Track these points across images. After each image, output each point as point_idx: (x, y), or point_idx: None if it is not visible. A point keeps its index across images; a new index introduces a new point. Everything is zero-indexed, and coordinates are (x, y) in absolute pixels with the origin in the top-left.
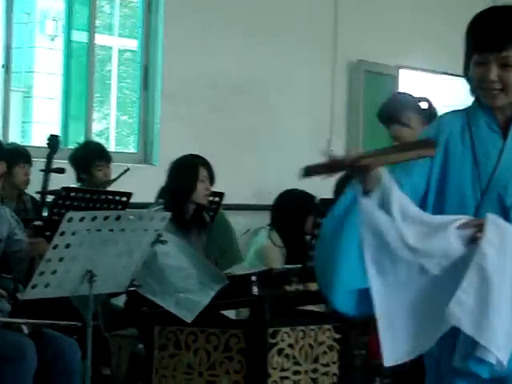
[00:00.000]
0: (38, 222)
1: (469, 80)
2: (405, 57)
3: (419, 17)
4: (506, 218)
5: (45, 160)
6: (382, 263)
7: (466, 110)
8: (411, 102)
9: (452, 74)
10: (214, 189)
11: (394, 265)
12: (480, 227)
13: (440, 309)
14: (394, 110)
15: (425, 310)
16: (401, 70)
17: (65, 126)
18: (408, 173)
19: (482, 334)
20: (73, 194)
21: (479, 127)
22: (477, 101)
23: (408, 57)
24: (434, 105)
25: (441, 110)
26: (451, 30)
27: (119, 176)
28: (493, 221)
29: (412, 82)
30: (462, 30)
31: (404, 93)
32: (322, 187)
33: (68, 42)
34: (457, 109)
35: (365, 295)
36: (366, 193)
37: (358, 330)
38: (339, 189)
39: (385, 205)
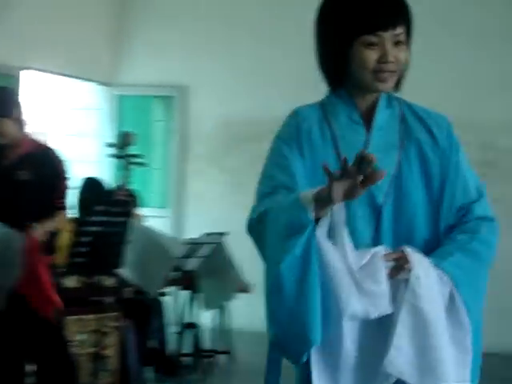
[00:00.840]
0: None
1: (329, 70)
2: (28, 58)
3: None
4: (378, 216)
5: None
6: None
7: (322, 102)
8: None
9: (76, 77)
10: None
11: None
12: (400, 260)
13: (379, 360)
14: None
15: (364, 363)
16: (24, 72)
17: None
18: (291, 176)
19: (430, 381)
20: None
21: (339, 119)
22: (334, 92)
23: (32, 58)
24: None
25: (69, 113)
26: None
27: None
28: (414, 255)
29: (37, 84)
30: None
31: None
32: None
33: None
34: (312, 103)
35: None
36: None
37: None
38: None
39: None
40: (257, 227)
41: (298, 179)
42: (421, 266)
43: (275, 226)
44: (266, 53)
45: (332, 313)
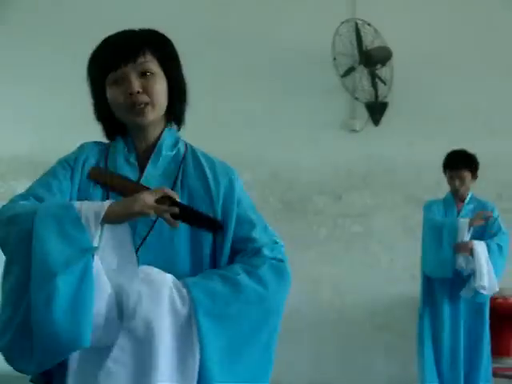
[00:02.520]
0: None
1: (102, 118)
2: None
3: None
4: (138, 248)
5: None
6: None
7: (111, 143)
8: None
9: None
10: None
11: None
12: None
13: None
14: None
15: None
16: None
17: None
18: (49, 190)
19: None
20: None
21: (116, 160)
22: (119, 136)
23: None
24: None
25: None
26: None
27: None
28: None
29: None
30: None
31: None
32: None
33: None
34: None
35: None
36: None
37: None
38: None
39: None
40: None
41: (54, 194)
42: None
43: (43, 230)
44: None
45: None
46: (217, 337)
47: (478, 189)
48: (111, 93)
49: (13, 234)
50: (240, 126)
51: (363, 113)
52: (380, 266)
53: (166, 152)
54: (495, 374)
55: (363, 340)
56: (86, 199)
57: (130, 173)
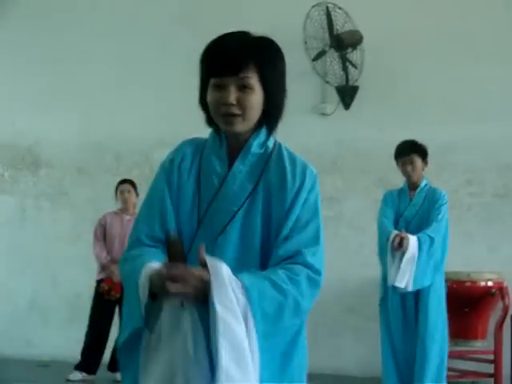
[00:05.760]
0: None
1: (205, 108)
2: None
3: None
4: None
5: None
6: None
7: (207, 138)
8: None
9: None
10: None
11: None
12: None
13: None
14: None
15: None
16: None
17: None
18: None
19: None
20: None
21: (209, 155)
22: (214, 129)
23: None
24: None
25: None
26: None
27: None
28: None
29: None
30: None
31: None
32: None
33: None
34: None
35: None
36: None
37: None
38: None
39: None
40: (122, 268)
41: (165, 212)
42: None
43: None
44: None
45: None
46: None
47: (447, 174)
48: (211, 95)
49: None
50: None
51: (334, 97)
52: (350, 249)
53: (254, 150)
54: (463, 357)
55: (332, 323)
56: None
57: (219, 166)
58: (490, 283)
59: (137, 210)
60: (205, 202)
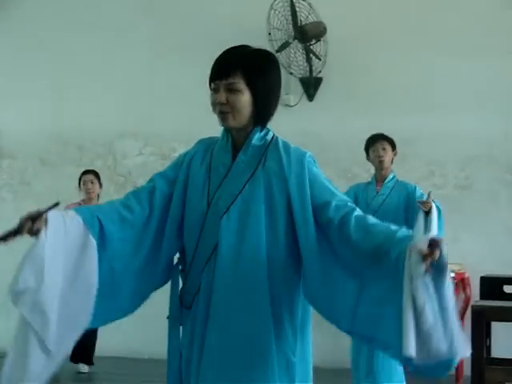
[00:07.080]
0: None
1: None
2: None
3: None
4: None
5: None
6: None
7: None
8: None
9: None
10: None
11: None
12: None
13: None
14: None
15: None
16: None
17: None
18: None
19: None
20: None
21: (218, 149)
22: (224, 128)
23: None
24: None
25: None
26: None
27: None
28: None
29: None
30: None
31: None
32: None
33: None
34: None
35: None
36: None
37: None
38: None
39: None
40: None
41: (161, 178)
42: None
43: None
44: None
45: None
46: None
47: (410, 165)
48: (211, 96)
49: None
50: (175, 100)
51: (298, 88)
52: None
53: (254, 142)
54: None
55: None
56: (193, 183)
57: (225, 158)
58: (451, 274)
59: (100, 201)
60: (213, 188)
